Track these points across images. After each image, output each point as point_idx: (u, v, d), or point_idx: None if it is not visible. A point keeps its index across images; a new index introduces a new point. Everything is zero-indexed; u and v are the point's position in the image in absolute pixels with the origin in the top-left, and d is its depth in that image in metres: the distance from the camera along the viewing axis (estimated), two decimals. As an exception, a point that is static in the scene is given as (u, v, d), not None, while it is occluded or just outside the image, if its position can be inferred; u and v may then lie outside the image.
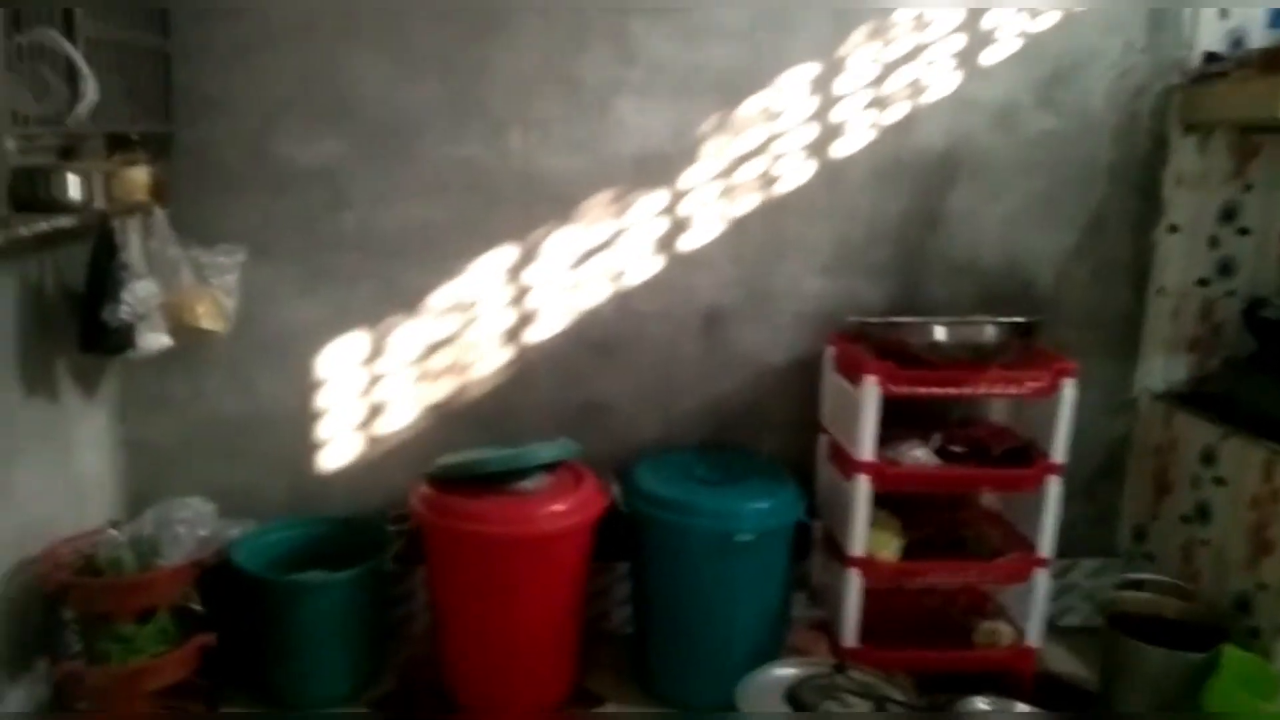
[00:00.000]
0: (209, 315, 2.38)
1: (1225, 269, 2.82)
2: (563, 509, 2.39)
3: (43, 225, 1.89)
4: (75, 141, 2.00)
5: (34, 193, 1.84)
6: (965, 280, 2.80)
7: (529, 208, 2.66)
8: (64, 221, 1.95)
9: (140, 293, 2.13)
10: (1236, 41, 2.65)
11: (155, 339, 2.22)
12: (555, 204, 2.66)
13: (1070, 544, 2.88)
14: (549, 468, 2.47)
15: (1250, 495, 2.49)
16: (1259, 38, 2.62)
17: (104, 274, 2.10)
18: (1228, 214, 2.79)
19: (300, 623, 2.44)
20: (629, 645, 2.71)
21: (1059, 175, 2.76)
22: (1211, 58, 2.65)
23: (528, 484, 2.40)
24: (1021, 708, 2.26)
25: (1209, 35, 2.68)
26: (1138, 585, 2.67)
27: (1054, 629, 2.83)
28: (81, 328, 2.15)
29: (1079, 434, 2.80)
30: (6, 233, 1.77)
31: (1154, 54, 2.70)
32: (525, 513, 2.36)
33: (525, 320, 2.73)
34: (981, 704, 2.26)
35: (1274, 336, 2.64)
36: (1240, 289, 2.80)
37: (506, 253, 2.68)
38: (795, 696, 2.01)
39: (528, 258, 2.69)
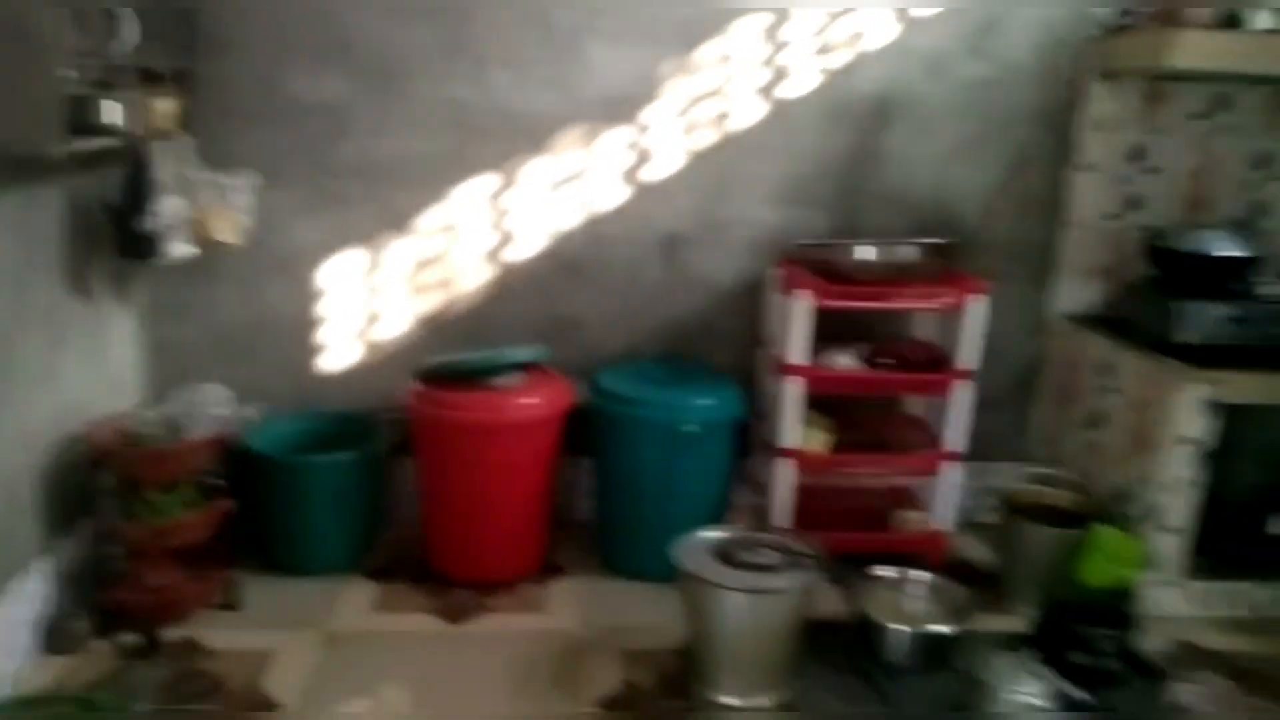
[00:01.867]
0: (227, 229, 2.72)
1: (1133, 204, 3.15)
2: (533, 402, 2.75)
3: (90, 146, 2.24)
4: (113, 75, 2.33)
5: (84, 117, 2.17)
6: (899, 212, 3.12)
7: (508, 141, 2.99)
8: (106, 143, 2.29)
9: (168, 206, 2.48)
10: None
11: (181, 248, 2.57)
12: (531, 138, 2.99)
13: (987, 449, 3.25)
14: (523, 368, 2.82)
15: (1136, 402, 2.84)
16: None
17: (138, 189, 2.44)
18: (1136, 154, 3.11)
19: (304, 499, 2.82)
20: (592, 529, 3.09)
21: (985, 118, 3.08)
22: (1125, 12, 2.95)
23: (503, 381, 2.77)
24: (919, 573, 2.63)
25: (1123, -9, 2.98)
26: (1042, 481, 3.05)
27: (971, 525, 3.22)
28: (118, 236, 2.50)
29: (998, 352, 3.17)
30: (64, 150, 2.11)
31: (1074, 6, 3.00)
32: (500, 404, 2.73)
33: (504, 242, 3.07)
34: (886, 571, 2.64)
35: (1171, 265, 2.97)
36: (1146, 222, 3.13)
37: (488, 181, 3.01)
38: (722, 552, 2.38)
39: (506, 186, 3.02)
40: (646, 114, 3.00)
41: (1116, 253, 3.17)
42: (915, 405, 3.21)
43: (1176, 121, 3.09)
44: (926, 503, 3.06)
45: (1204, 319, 2.77)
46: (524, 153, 3.00)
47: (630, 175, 3.05)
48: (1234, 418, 2.71)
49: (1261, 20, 2.65)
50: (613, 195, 3.06)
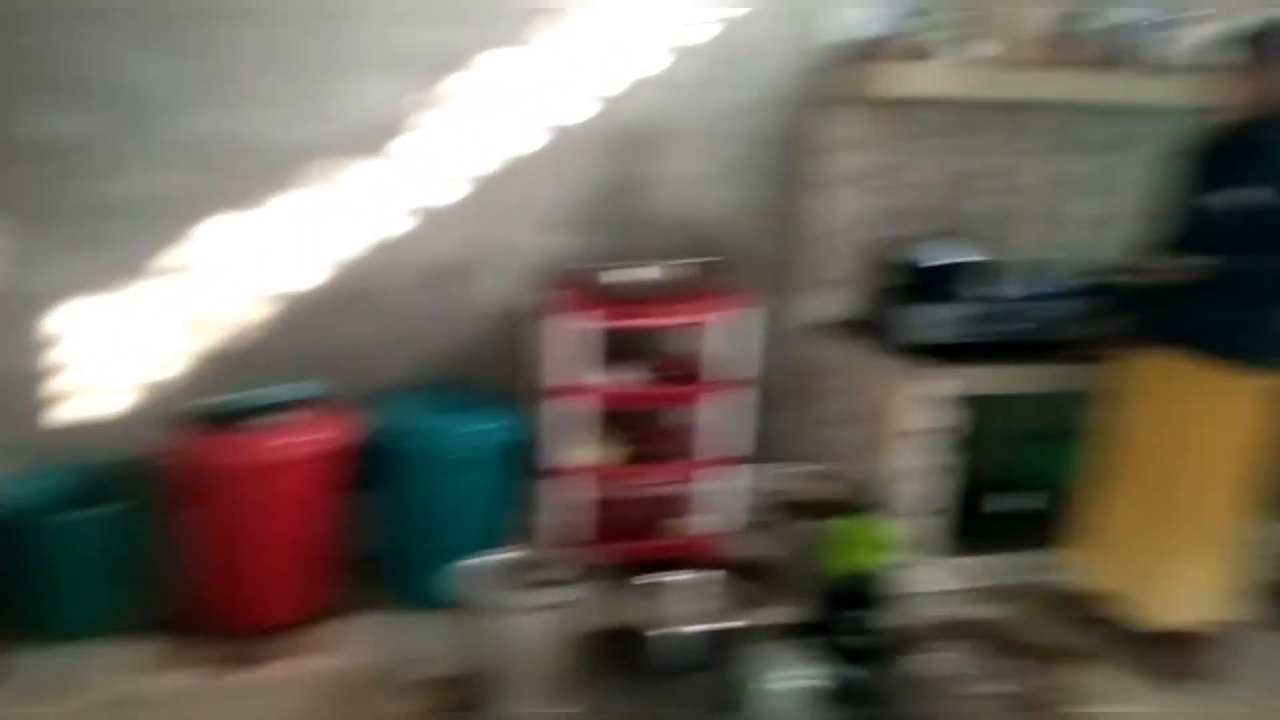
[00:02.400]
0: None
1: (872, 219, 3.44)
2: (299, 440, 2.69)
3: None
4: None
5: None
6: (668, 233, 3.27)
7: (265, 175, 2.92)
8: None
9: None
10: (874, 32, 3.21)
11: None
12: (290, 170, 2.93)
13: (769, 451, 3.45)
14: (294, 405, 2.76)
15: (878, 399, 3.10)
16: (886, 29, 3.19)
17: None
18: (871, 173, 3.40)
19: (55, 560, 2.64)
20: (381, 563, 3.05)
21: (739, 143, 3.28)
22: (849, 45, 3.21)
23: (273, 420, 2.70)
24: (699, 575, 2.76)
25: (848, 26, 3.23)
26: (812, 478, 3.27)
27: (754, 525, 3.39)
28: None
29: (768, 358, 3.37)
30: None
31: (806, 41, 3.24)
32: (262, 444, 2.65)
33: (273, 276, 3.00)
34: (668, 577, 2.75)
35: (902, 273, 3.26)
36: (881, 235, 3.42)
37: (246, 216, 2.93)
38: (500, 573, 2.42)
39: (268, 220, 2.96)
40: (411, 143, 3.02)
41: (866, 263, 3.45)
42: (690, 415, 3.35)
43: (907, 141, 3.40)
44: (709, 508, 3.21)
45: (931, 320, 3.06)
46: (284, 186, 2.94)
47: (402, 204, 3.05)
48: (977, 407, 3.01)
49: (950, 52, 2.97)
50: (386, 225, 3.05)
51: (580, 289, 3.00)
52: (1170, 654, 2.72)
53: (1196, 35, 3.00)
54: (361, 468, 2.86)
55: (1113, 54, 3.13)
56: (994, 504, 3.40)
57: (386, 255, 3.07)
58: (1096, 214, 3.56)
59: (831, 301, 3.47)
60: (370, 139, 2.98)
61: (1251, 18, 2.55)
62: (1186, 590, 2.67)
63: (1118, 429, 2.78)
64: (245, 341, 3.02)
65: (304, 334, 3.05)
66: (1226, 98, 2.50)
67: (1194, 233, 2.56)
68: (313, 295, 3.04)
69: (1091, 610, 2.92)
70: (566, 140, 3.13)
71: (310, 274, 3.03)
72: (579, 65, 3.10)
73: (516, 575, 2.41)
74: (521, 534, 3.08)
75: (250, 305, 3.00)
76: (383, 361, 3.13)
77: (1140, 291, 2.70)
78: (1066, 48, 3.09)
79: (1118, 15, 3.22)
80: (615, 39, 3.10)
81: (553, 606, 2.34)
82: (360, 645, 2.73)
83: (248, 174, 2.91)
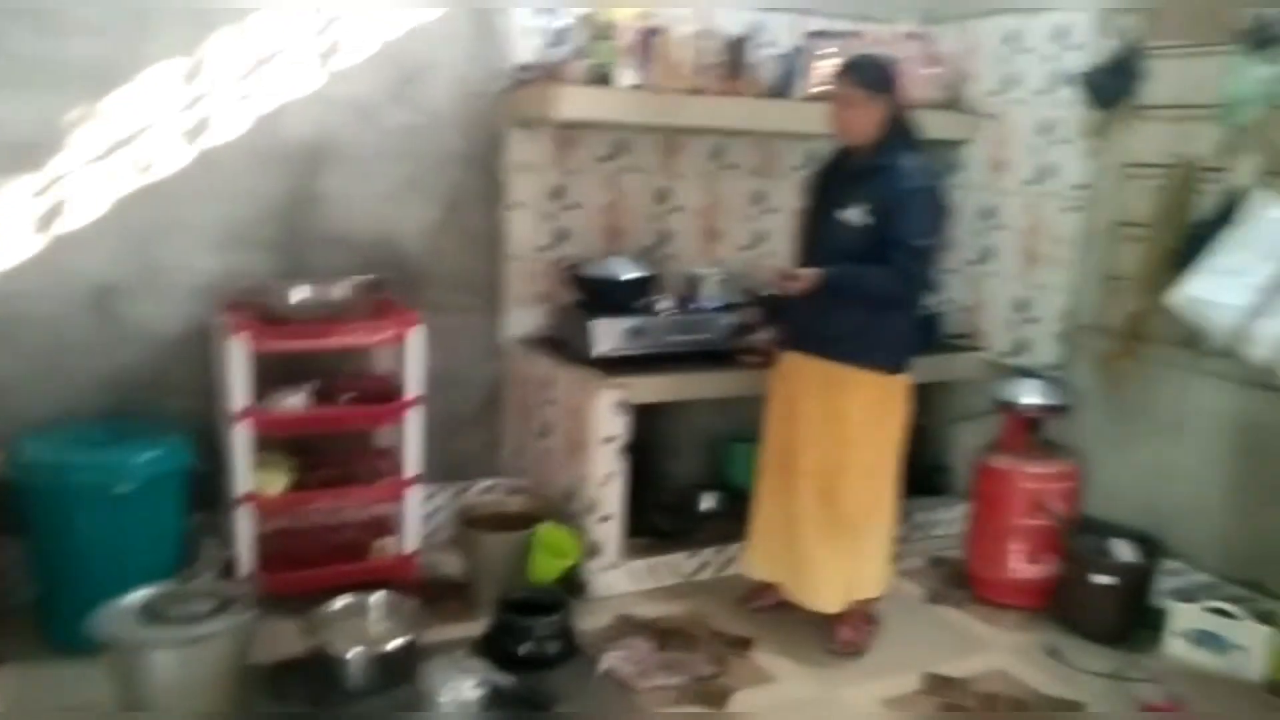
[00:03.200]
0: None
1: (560, 237, 3.55)
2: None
3: None
4: None
5: None
6: (345, 251, 3.24)
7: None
8: None
9: None
10: (544, 55, 3.33)
11: None
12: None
13: (465, 469, 3.49)
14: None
15: (569, 410, 3.21)
16: (554, 54, 3.31)
17: None
18: (558, 193, 3.52)
19: None
20: (34, 610, 2.81)
21: (417, 162, 3.29)
22: (526, 67, 3.32)
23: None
24: (379, 596, 2.74)
25: (525, 49, 3.34)
26: (505, 491, 3.33)
27: (449, 542, 3.40)
28: None
29: (464, 376, 3.42)
30: None
31: (483, 63, 3.32)
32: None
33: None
34: (346, 600, 2.72)
35: (586, 289, 3.39)
36: (571, 252, 3.54)
37: None
38: (150, 610, 2.30)
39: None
40: (57, 162, 2.83)
41: (551, 280, 3.55)
42: (387, 436, 3.33)
43: (588, 163, 3.55)
44: (399, 528, 3.19)
45: (614, 333, 3.20)
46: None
47: (45, 226, 2.85)
48: (661, 414, 3.17)
49: (626, 78, 3.13)
50: (25, 248, 2.84)
51: (254, 310, 2.91)
52: (835, 632, 2.96)
53: (823, 67, 3.31)
54: (5, 509, 2.64)
55: (767, 83, 3.40)
56: (679, 505, 3.59)
57: (33, 279, 2.86)
58: (754, 231, 3.85)
59: (532, 317, 3.55)
60: (14, 156, 2.77)
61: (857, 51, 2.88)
62: (839, 572, 2.91)
63: (765, 428, 3.03)
64: None
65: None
66: (834, 125, 2.78)
67: (813, 248, 2.84)
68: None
69: (764, 599, 3.14)
70: (233, 157, 3.04)
71: (-62, 301, 2.77)
72: (246, 80, 3.02)
73: (167, 609, 2.29)
74: (198, 566, 2.94)
75: None
76: (33, 395, 2.90)
77: (777, 302, 2.96)
78: (727, 76, 3.32)
79: (773, 47, 3.52)
80: (286, 54, 3.05)
81: (209, 638, 2.25)
82: (10, 697, 2.50)
83: None
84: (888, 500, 2.93)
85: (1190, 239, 2.91)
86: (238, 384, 2.77)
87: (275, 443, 2.97)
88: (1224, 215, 2.79)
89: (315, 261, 3.19)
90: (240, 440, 2.80)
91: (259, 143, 3.06)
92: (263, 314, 2.87)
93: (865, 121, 2.70)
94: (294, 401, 2.91)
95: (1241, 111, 2.79)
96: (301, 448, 3.09)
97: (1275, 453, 2.88)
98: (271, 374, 2.89)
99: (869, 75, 2.70)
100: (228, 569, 2.89)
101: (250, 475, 2.85)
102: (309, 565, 2.97)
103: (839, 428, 2.79)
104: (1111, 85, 3.20)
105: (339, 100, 3.15)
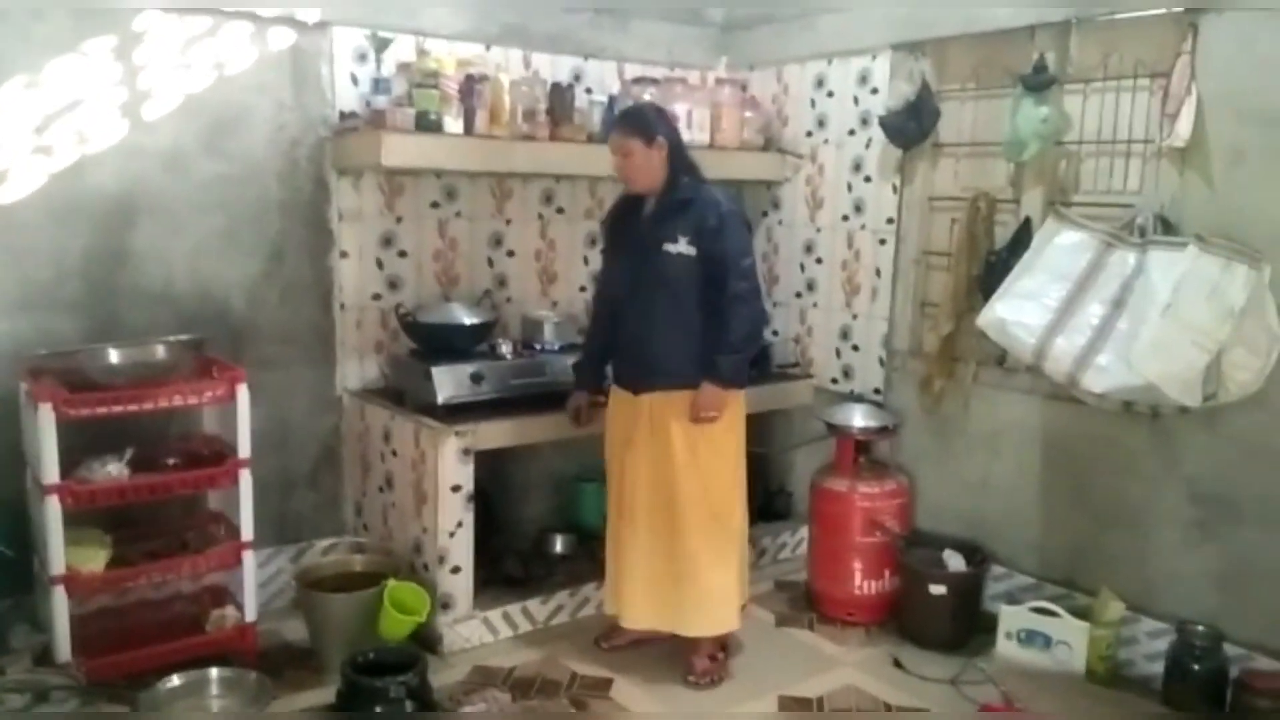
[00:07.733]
0: None
1: (393, 285, 3.49)
2: None
3: None
4: None
5: None
6: (162, 308, 3.06)
7: None
8: None
9: None
10: (367, 103, 3.27)
11: None
12: None
13: (305, 529, 3.35)
14: None
15: (413, 460, 3.13)
16: (378, 101, 3.25)
17: None
18: (387, 241, 3.46)
19: None
20: None
21: (236, 213, 3.16)
22: (346, 115, 3.26)
23: None
24: (215, 672, 2.58)
25: (347, 96, 3.29)
26: (348, 550, 3.20)
27: (292, 607, 3.24)
28: None
29: (296, 432, 3.29)
30: None
31: (303, 111, 3.23)
32: None
33: None
34: (178, 679, 2.55)
35: (420, 336, 3.33)
36: (405, 300, 3.48)
37: None
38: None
39: None
40: None
41: (386, 329, 3.48)
42: (219, 500, 3.15)
43: (419, 210, 3.51)
44: (234, 597, 3.01)
45: (456, 380, 3.15)
46: None
47: None
48: (500, 460, 3.13)
49: (452, 125, 3.12)
50: None
51: (61, 375, 2.70)
52: (691, 665, 2.98)
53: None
54: None
55: (592, 128, 3.47)
56: (530, 550, 3.56)
57: None
58: (589, 273, 3.90)
59: (367, 368, 3.47)
60: None
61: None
62: (729, 584, 2.95)
63: (608, 469, 3.07)
64: None
65: None
66: (622, 176, 2.90)
67: (636, 282, 2.90)
68: None
69: (619, 637, 3.14)
70: (29, 214, 2.83)
71: None
72: (42, 133, 2.82)
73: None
74: (9, 656, 2.69)
75: None
76: None
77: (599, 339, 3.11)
78: (552, 122, 3.37)
79: (595, 93, 3.59)
80: (85, 104, 2.88)
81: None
82: None
83: None
84: (741, 508, 3.01)
85: (990, 265, 3.17)
86: (46, 454, 2.56)
87: (93, 515, 2.76)
88: (1018, 242, 3.05)
89: (131, 320, 3.00)
90: (52, 515, 2.59)
91: (57, 197, 2.87)
92: (72, 378, 2.67)
93: (649, 166, 2.84)
94: (111, 470, 2.71)
95: (1024, 147, 3.06)
96: (124, 518, 2.89)
97: (1078, 460, 3.13)
98: (89, 442, 2.69)
99: (640, 123, 2.84)
100: (44, 657, 2.66)
101: (64, 553, 2.63)
102: (138, 645, 2.76)
103: (673, 452, 2.85)
104: (909, 126, 3.44)
105: (146, 151, 2.99)
